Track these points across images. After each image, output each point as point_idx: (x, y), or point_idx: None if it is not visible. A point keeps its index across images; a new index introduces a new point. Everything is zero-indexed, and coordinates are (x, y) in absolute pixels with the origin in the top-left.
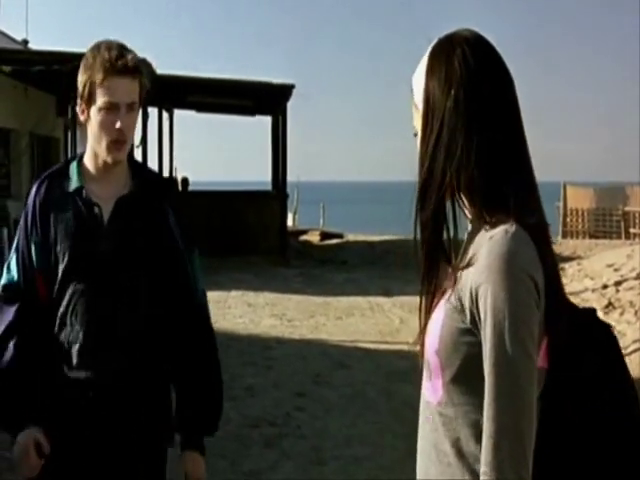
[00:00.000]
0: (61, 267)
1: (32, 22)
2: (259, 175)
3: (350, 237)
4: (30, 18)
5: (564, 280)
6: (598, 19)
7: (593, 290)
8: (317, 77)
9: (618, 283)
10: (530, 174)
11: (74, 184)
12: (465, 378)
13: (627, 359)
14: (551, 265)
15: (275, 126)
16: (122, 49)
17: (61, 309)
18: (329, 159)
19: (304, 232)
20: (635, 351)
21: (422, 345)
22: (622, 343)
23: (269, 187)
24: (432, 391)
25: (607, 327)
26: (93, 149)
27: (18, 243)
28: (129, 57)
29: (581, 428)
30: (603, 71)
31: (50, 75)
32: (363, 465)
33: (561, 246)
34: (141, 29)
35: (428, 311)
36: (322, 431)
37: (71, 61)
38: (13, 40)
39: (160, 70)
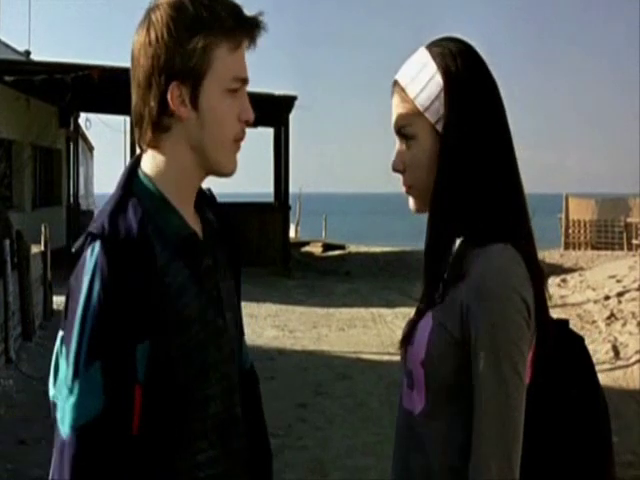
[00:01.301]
0: (186, 368)
1: (34, 33)
2: (261, 187)
3: (352, 248)
4: (32, 30)
5: (566, 291)
6: (598, 27)
7: (595, 301)
8: (320, 88)
9: (620, 294)
10: (522, 197)
11: (178, 227)
12: (449, 392)
13: (629, 370)
14: (540, 285)
15: (277, 137)
16: None
17: (184, 429)
18: (331, 170)
19: (306, 243)
20: (637, 362)
21: (405, 352)
22: (624, 354)
23: (271, 199)
24: (414, 401)
25: (580, 340)
26: (189, 158)
27: (95, 342)
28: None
29: (551, 444)
30: (606, 80)
31: (52, 86)
32: (365, 475)
33: (563, 257)
34: None
35: (415, 319)
36: (324, 442)
37: (73, 71)
38: (15, 51)
39: None
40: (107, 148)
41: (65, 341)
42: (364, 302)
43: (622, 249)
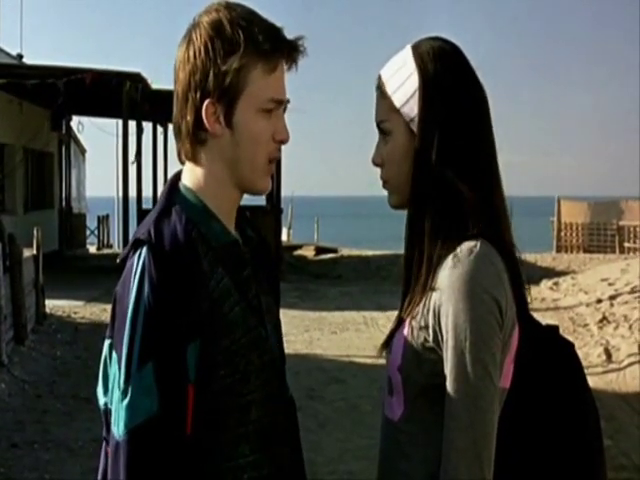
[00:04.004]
0: (231, 371)
1: (26, 37)
2: None
3: (344, 252)
4: (24, 33)
5: (558, 294)
6: (597, 31)
7: (587, 304)
8: (312, 91)
9: (612, 297)
10: (499, 198)
11: (220, 233)
12: (427, 395)
13: (622, 373)
14: (518, 284)
15: None
16: None
17: (227, 433)
18: (324, 173)
19: (299, 247)
20: (630, 365)
21: (386, 360)
22: (616, 357)
23: (263, 202)
24: (393, 407)
25: (570, 346)
26: (225, 173)
27: (147, 344)
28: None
29: (538, 449)
30: (602, 82)
31: (44, 89)
32: (358, 479)
33: (555, 260)
34: (135, 44)
35: (394, 327)
36: (317, 445)
37: (66, 75)
38: (7, 54)
39: (155, 85)
40: (99, 151)
41: (115, 346)
42: (356, 305)
43: (614, 252)
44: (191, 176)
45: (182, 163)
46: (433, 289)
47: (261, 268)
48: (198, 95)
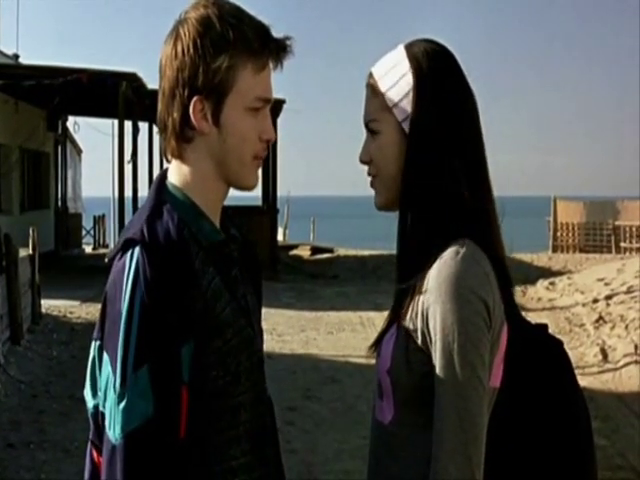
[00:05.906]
0: (222, 373)
1: (23, 37)
2: None
3: (341, 252)
4: (21, 33)
5: (555, 294)
6: (594, 32)
7: (584, 304)
8: (308, 91)
9: (609, 297)
10: (488, 198)
11: (210, 232)
12: (417, 398)
13: (618, 373)
14: (506, 284)
15: None
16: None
17: (218, 435)
18: (320, 173)
19: (294, 247)
20: (626, 365)
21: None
22: (612, 357)
23: (259, 202)
24: (383, 411)
25: (559, 344)
26: (212, 170)
27: (142, 346)
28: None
29: (529, 449)
30: (596, 80)
31: (40, 90)
32: (354, 479)
33: (551, 260)
34: (131, 44)
35: (384, 329)
36: (313, 446)
37: (62, 75)
38: (4, 54)
39: (151, 85)
40: (95, 151)
41: (108, 348)
42: (352, 305)
43: (610, 252)
44: (178, 174)
45: (168, 161)
46: (421, 291)
47: (246, 268)
48: (186, 92)
